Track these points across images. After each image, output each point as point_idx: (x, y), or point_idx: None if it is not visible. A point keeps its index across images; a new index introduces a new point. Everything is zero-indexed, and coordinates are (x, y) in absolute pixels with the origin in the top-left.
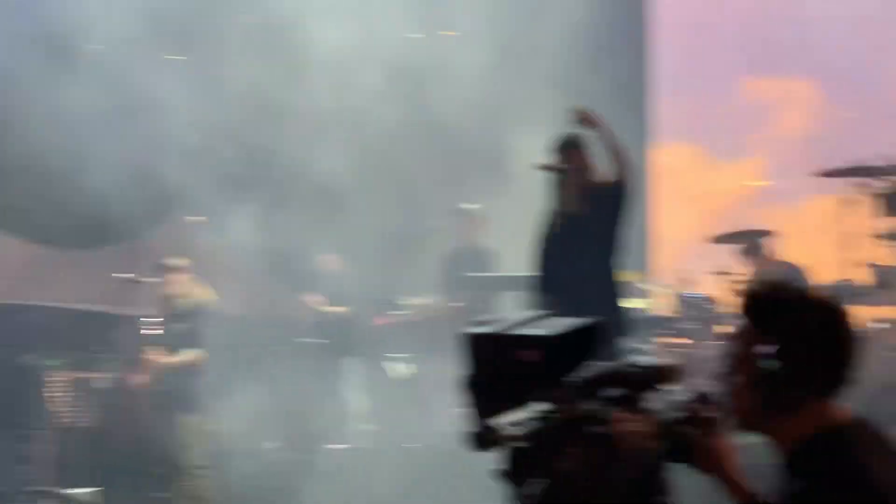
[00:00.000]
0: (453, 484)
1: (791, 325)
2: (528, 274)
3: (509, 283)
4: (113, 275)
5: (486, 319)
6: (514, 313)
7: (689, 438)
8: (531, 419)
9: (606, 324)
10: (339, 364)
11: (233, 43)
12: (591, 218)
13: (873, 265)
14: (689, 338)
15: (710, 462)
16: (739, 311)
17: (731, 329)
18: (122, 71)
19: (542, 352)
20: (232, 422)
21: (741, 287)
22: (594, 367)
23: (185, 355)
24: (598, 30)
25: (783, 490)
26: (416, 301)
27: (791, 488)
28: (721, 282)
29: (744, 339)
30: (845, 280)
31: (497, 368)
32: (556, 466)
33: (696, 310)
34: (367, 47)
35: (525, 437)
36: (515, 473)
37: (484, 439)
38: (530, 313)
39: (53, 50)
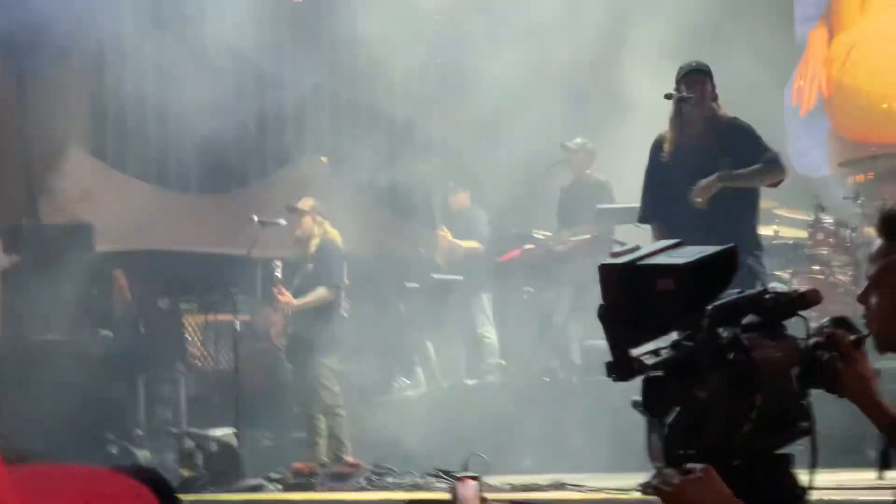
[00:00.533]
0: (590, 416)
1: None
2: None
3: (631, 214)
4: (248, 217)
5: (620, 251)
6: (648, 244)
7: (829, 363)
8: (670, 348)
9: (739, 250)
10: (473, 299)
11: None
12: (716, 149)
13: None
14: (825, 264)
15: (851, 386)
16: (878, 231)
17: (870, 250)
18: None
19: (677, 280)
20: (365, 361)
21: (880, 208)
22: (732, 295)
23: (316, 295)
24: None
25: None
26: (542, 234)
27: None
28: (856, 208)
29: (884, 258)
30: None
31: (634, 298)
32: (696, 394)
33: (831, 236)
34: None
35: (664, 366)
36: (655, 403)
37: (624, 369)
38: (664, 243)
39: None
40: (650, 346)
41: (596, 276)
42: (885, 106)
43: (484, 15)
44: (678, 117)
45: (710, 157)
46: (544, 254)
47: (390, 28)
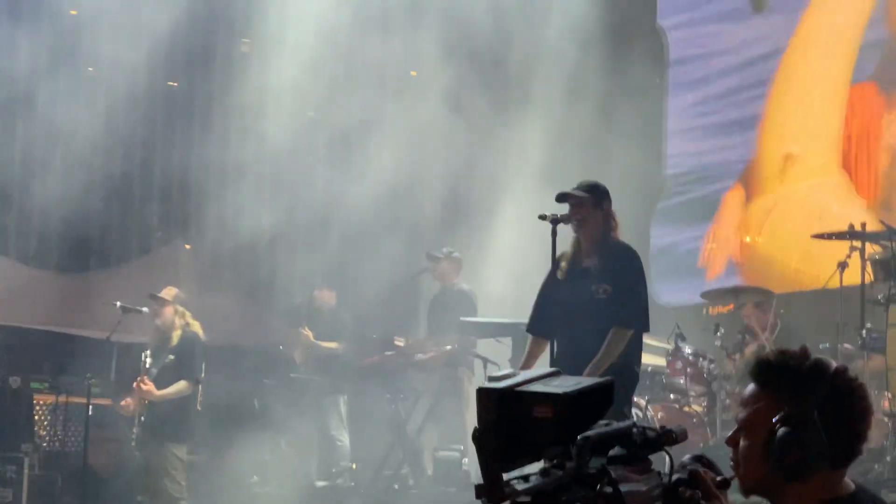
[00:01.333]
0: None
1: (805, 393)
2: (513, 321)
3: (495, 329)
4: (112, 301)
5: (498, 375)
6: (527, 371)
7: (692, 501)
8: (539, 474)
9: (615, 383)
10: (329, 400)
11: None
12: (597, 273)
13: (865, 329)
14: (681, 393)
15: None
16: (751, 376)
17: (742, 394)
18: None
19: (555, 409)
20: (216, 455)
21: (754, 353)
22: (601, 427)
23: (177, 388)
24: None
25: None
26: (402, 342)
27: None
28: (715, 340)
29: (755, 404)
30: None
31: (510, 423)
32: None
33: (689, 366)
34: None
35: (533, 493)
36: None
37: (494, 493)
38: (541, 371)
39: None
40: (521, 471)
41: (453, 387)
42: (795, 268)
43: (357, 112)
44: (553, 237)
45: (591, 281)
46: (404, 361)
47: (261, 119)
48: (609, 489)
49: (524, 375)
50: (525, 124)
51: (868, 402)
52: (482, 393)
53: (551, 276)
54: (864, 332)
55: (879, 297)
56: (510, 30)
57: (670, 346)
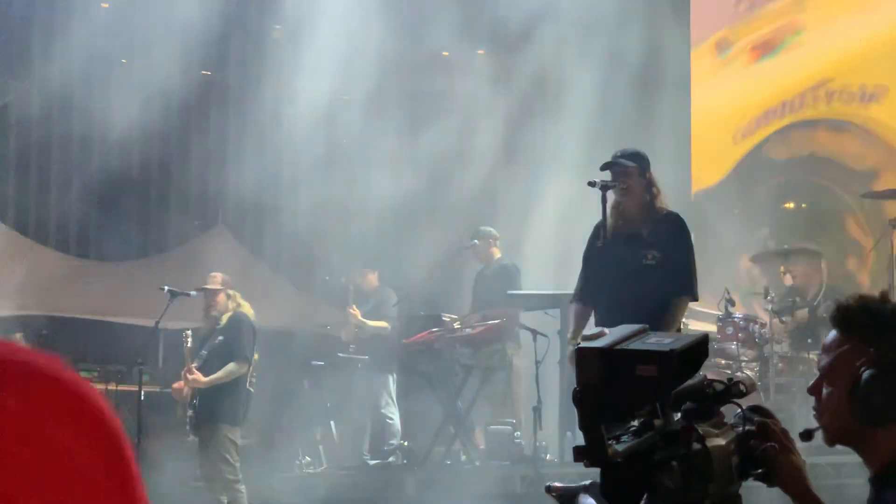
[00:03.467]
0: (491, 502)
1: (890, 336)
2: (559, 292)
3: (542, 300)
4: (159, 286)
5: (591, 335)
6: (619, 329)
7: (766, 453)
8: (630, 435)
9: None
10: (378, 379)
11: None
12: (646, 240)
13: None
14: (732, 359)
15: (786, 477)
16: (832, 322)
17: (824, 341)
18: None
19: (661, 366)
20: (268, 437)
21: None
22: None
23: (227, 370)
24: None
25: (876, 503)
26: (450, 318)
27: (888, 500)
28: (765, 304)
29: (838, 349)
30: None
31: (612, 382)
32: (663, 483)
33: (740, 331)
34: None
35: (627, 454)
36: (621, 490)
37: (598, 454)
38: (631, 327)
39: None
40: (618, 431)
41: (502, 361)
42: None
43: (398, 99)
44: (604, 204)
45: (639, 247)
46: (452, 337)
47: (300, 103)
48: (698, 446)
49: (617, 333)
50: (565, 97)
51: None
52: (582, 352)
53: (594, 244)
54: None
55: None
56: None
57: (720, 312)
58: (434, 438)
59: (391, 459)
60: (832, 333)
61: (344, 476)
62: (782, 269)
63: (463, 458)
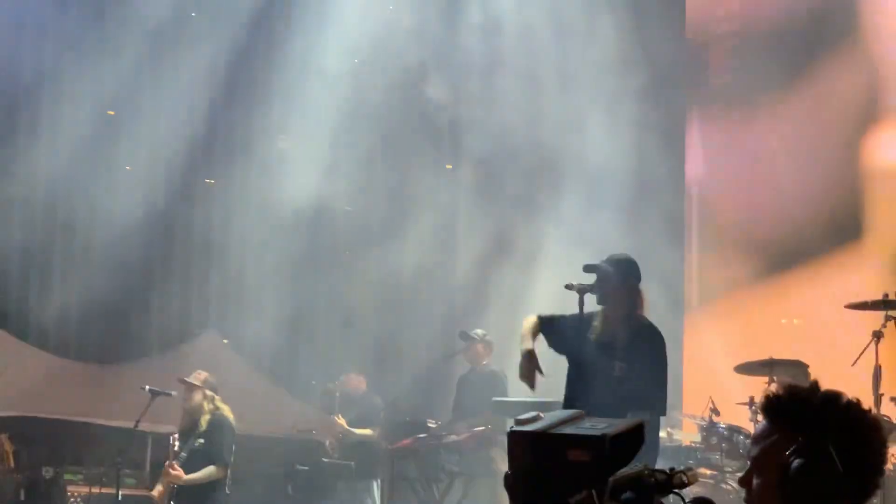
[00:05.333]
0: None
1: (819, 424)
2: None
3: (528, 407)
4: (140, 386)
5: (524, 418)
6: (554, 413)
7: None
8: None
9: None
10: (362, 485)
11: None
12: (618, 351)
13: None
14: (717, 469)
15: None
16: (762, 412)
17: (754, 432)
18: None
19: (592, 451)
20: None
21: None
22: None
23: (207, 472)
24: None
25: None
26: (435, 424)
27: None
28: (749, 414)
29: (767, 439)
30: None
31: (543, 466)
32: None
33: (724, 441)
34: None
35: None
36: None
37: None
38: (566, 413)
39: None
40: None
41: (487, 468)
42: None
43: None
44: (581, 308)
45: (612, 357)
46: (437, 443)
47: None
48: None
49: (551, 418)
50: (556, 197)
51: (883, 434)
52: (514, 436)
53: (585, 336)
54: None
55: None
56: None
57: (704, 422)
58: None
59: None
60: (762, 423)
61: None
62: (767, 379)
63: None
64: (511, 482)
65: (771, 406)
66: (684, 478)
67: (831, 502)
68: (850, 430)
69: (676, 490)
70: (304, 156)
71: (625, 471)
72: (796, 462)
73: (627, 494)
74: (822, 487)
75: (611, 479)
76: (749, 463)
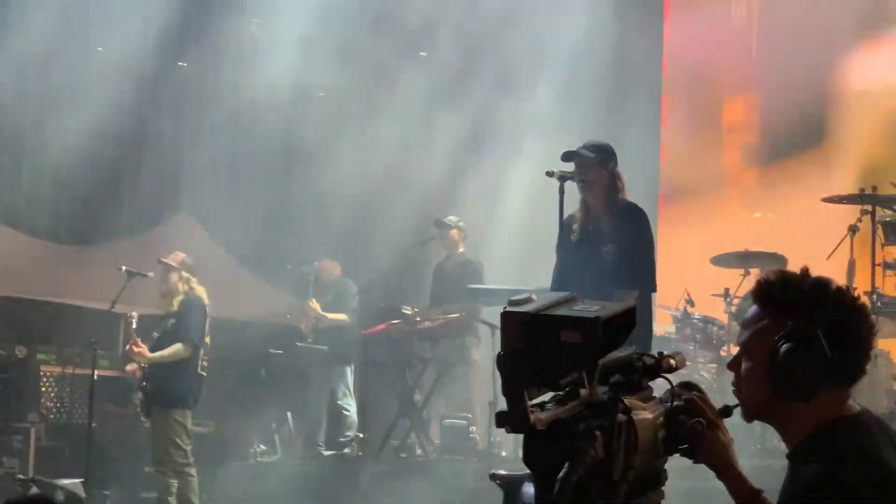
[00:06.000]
0: (445, 495)
1: (808, 310)
2: (521, 288)
3: (503, 295)
4: (117, 266)
5: (518, 299)
6: (547, 295)
7: (694, 429)
8: (555, 403)
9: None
10: (336, 370)
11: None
12: (606, 234)
13: (876, 293)
14: (690, 360)
15: (712, 454)
16: (753, 297)
17: (745, 316)
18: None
19: (585, 333)
20: (223, 425)
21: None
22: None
23: (173, 350)
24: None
25: (794, 479)
26: (410, 310)
27: (804, 475)
28: (724, 303)
29: (757, 324)
30: None
31: (536, 348)
32: (587, 451)
33: (699, 332)
34: None
35: (549, 422)
36: (542, 457)
37: (520, 419)
38: (559, 295)
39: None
40: (542, 397)
41: (461, 355)
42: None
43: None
44: (561, 195)
45: (600, 242)
46: (411, 330)
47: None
48: (624, 417)
49: (545, 299)
50: (532, 85)
51: (871, 320)
52: (507, 317)
53: (565, 240)
54: (874, 296)
55: (890, 261)
56: None
57: (679, 312)
58: (389, 431)
59: (346, 451)
60: (752, 309)
61: (298, 466)
62: (742, 271)
63: (418, 451)
64: (503, 362)
65: (762, 291)
66: (672, 362)
67: (819, 384)
68: (838, 315)
69: (664, 374)
70: (277, 40)
71: (615, 354)
72: (785, 345)
73: (616, 377)
74: (809, 370)
75: (601, 361)
76: (739, 347)
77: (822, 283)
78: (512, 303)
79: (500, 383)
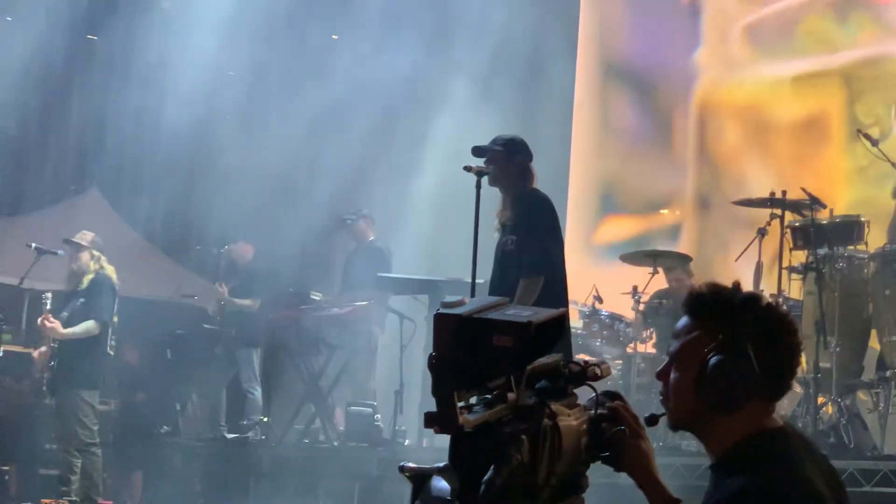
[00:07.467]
0: (346, 483)
1: (738, 324)
2: (429, 278)
3: (412, 285)
4: (26, 243)
5: (451, 302)
6: (480, 298)
7: (616, 437)
8: (483, 406)
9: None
10: (242, 353)
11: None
12: (511, 225)
13: (782, 296)
14: (597, 356)
15: (633, 462)
16: (684, 308)
17: (675, 326)
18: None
19: (516, 337)
20: (128, 404)
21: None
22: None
23: (84, 327)
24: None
25: (717, 488)
26: (318, 296)
27: (727, 485)
28: (632, 301)
29: (688, 335)
30: None
31: (467, 351)
32: (512, 455)
33: (606, 328)
34: None
35: (475, 424)
36: (467, 459)
37: (448, 421)
38: (491, 299)
39: None
40: (469, 400)
41: (368, 343)
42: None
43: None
44: (478, 190)
45: (506, 232)
46: (319, 315)
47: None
48: (549, 423)
49: (477, 303)
50: (449, 77)
51: (798, 338)
52: (440, 319)
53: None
54: (780, 299)
55: (797, 264)
56: None
57: (587, 308)
58: (294, 416)
59: (250, 434)
60: (683, 319)
61: (201, 447)
62: (651, 270)
63: (321, 437)
64: (435, 363)
65: (693, 303)
66: (598, 370)
67: (745, 397)
68: (768, 331)
69: (589, 382)
70: (189, 16)
71: (542, 360)
72: (714, 359)
73: (542, 383)
74: (737, 384)
75: (529, 366)
76: (668, 357)
77: (753, 298)
78: (445, 305)
79: (427, 381)
